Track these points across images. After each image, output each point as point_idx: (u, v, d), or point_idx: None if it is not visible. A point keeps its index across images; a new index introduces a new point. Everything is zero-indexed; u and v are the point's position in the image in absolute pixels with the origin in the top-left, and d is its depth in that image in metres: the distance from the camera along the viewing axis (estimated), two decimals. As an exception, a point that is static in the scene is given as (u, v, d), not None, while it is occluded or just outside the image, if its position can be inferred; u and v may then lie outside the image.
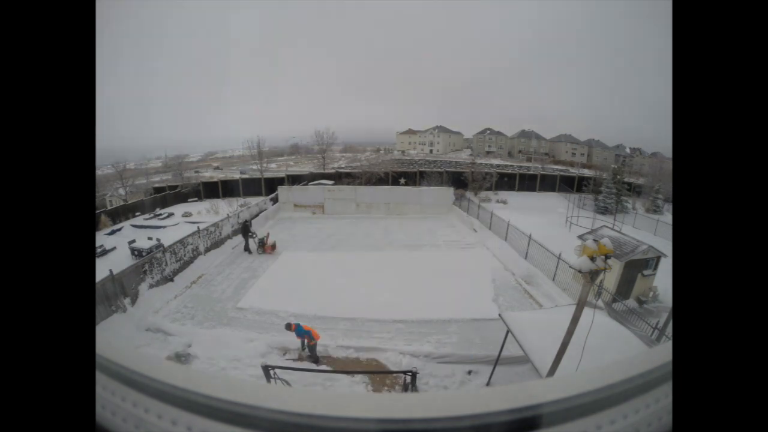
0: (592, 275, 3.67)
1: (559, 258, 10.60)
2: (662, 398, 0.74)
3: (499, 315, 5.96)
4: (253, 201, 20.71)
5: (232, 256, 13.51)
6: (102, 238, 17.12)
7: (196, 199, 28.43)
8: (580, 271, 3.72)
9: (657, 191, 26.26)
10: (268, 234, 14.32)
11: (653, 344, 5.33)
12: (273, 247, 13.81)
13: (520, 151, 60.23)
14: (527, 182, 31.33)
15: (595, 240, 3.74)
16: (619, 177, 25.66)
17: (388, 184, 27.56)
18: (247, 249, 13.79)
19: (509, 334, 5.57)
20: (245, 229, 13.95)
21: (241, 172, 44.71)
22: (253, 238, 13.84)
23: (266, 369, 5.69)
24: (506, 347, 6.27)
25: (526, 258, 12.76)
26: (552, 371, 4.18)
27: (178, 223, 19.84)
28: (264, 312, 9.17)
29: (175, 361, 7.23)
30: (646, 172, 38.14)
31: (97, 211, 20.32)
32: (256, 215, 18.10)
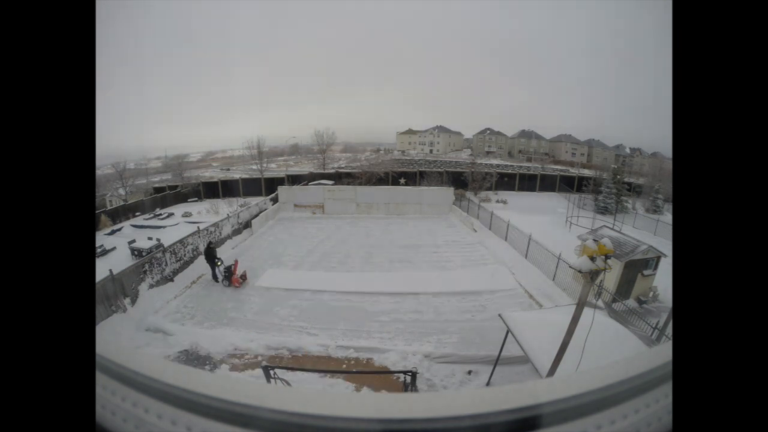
0: (592, 275, 3.67)
1: (559, 258, 10.61)
2: (662, 398, 0.74)
3: (499, 315, 5.95)
4: (253, 201, 20.71)
5: (231, 257, 13.49)
6: (102, 238, 17.13)
7: (196, 199, 28.48)
8: (580, 271, 3.72)
9: (657, 191, 26.30)
10: (237, 262, 11.38)
11: (653, 344, 5.33)
12: (242, 278, 11.09)
13: (520, 151, 60.13)
14: (527, 182, 31.36)
15: (595, 240, 3.74)
16: (619, 177, 25.68)
17: (388, 184, 27.58)
18: (214, 277, 11.33)
19: (509, 334, 5.57)
20: (210, 254, 11.24)
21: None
22: (219, 266, 11.13)
23: (266, 369, 5.68)
24: (506, 347, 6.27)
25: (526, 257, 12.79)
26: (552, 371, 4.18)
27: (178, 223, 19.85)
28: (264, 311, 9.19)
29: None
30: (646, 172, 38.15)
31: (97, 211, 20.33)
32: (256, 215, 18.09)
